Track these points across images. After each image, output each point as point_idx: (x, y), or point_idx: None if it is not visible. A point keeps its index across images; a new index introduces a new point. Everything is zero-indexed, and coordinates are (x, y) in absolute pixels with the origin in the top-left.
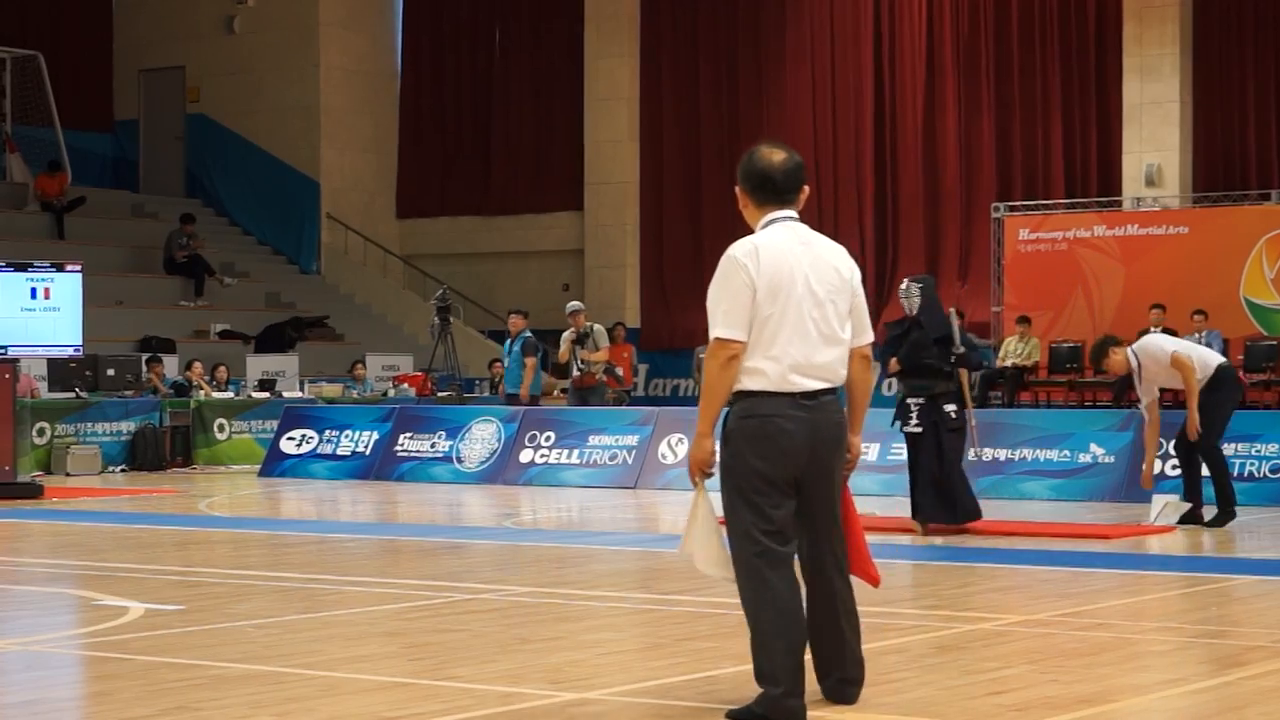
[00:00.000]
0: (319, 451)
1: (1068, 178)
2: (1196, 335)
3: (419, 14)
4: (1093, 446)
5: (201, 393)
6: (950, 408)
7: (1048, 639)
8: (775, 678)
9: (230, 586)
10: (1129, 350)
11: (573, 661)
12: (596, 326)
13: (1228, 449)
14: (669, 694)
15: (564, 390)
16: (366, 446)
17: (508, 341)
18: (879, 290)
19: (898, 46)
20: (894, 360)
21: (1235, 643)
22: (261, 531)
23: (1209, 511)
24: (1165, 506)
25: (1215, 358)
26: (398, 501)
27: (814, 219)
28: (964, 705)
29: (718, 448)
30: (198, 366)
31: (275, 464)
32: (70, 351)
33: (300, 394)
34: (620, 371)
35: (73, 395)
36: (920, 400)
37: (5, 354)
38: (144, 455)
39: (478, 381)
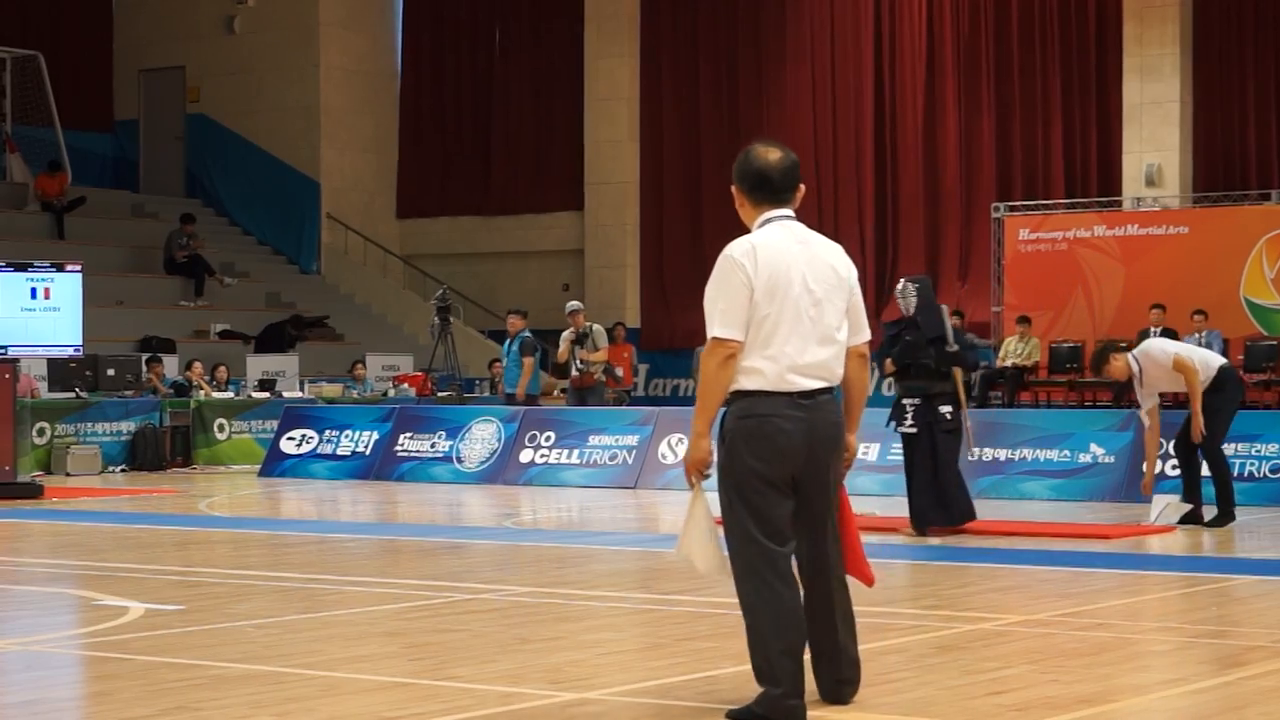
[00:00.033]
0: (319, 451)
1: (1068, 178)
2: (1196, 335)
3: (419, 14)
4: (1093, 446)
5: (201, 393)
6: (946, 408)
7: (1048, 639)
8: (775, 678)
9: (230, 586)
10: (1130, 356)
11: (573, 661)
12: (596, 326)
13: (1227, 449)
14: (669, 694)
15: (563, 390)
16: (366, 446)
17: (507, 342)
18: (879, 290)
19: (898, 46)
20: (888, 361)
21: (1235, 643)
22: (261, 531)
23: (1209, 511)
24: (1166, 507)
25: (1217, 359)
26: (398, 501)
27: (814, 219)
28: (964, 705)
29: (715, 448)
30: (198, 366)
31: (275, 464)
32: (70, 351)
33: (300, 394)
34: (620, 372)
35: (73, 395)
36: (916, 401)
37: (5, 354)
38: (144, 455)
39: (478, 381)
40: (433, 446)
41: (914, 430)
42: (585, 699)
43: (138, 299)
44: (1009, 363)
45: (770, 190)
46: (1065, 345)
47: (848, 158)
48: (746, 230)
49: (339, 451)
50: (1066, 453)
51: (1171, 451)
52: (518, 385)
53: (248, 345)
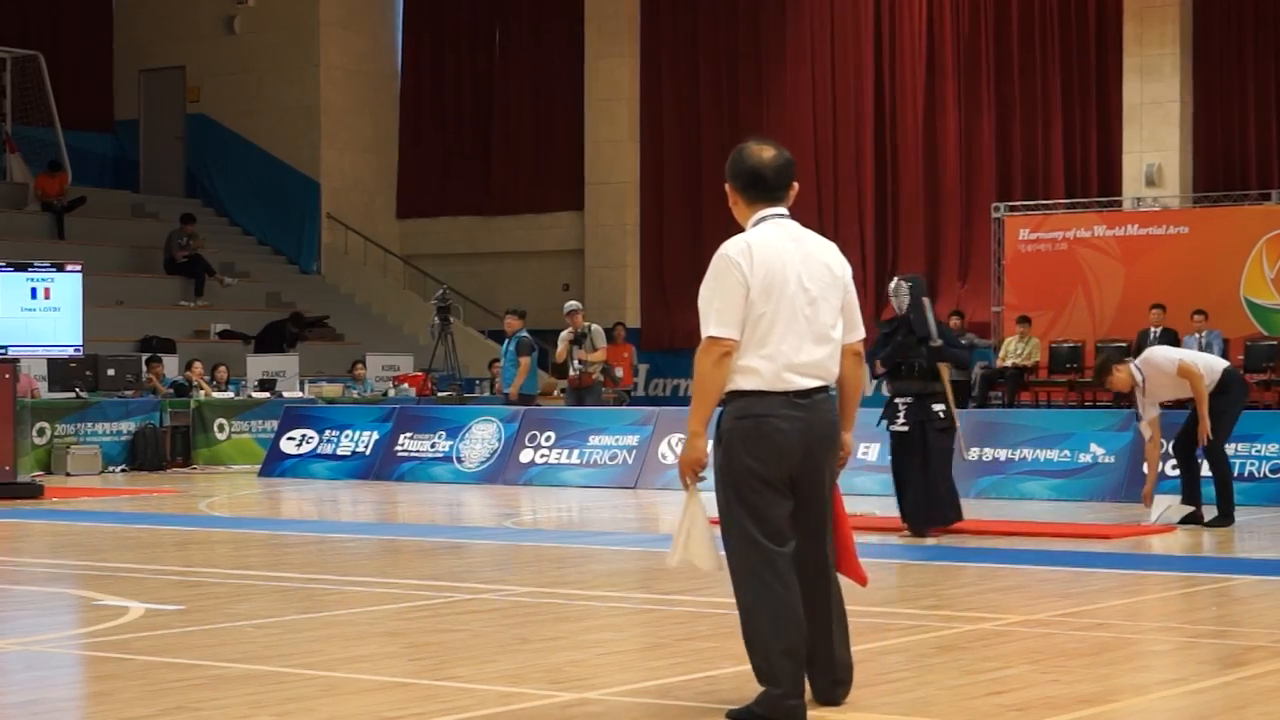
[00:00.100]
0: (319, 451)
1: (1068, 178)
2: (1197, 335)
3: (419, 14)
4: (1093, 446)
5: (201, 393)
6: (938, 407)
7: (1048, 639)
8: (775, 678)
9: (230, 586)
10: (1133, 366)
11: (573, 661)
12: (594, 326)
13: (1227, 449)
14: (669, 694)
15: (563, 390)
16: (367, 446)
17: (506, 342)
18: (879, 291)
19: (898, 46)
20: (877, 363)
21: (1235, 643)
22: (261, 531)
23: (1209, 511)
24: (1167, 509)
25: (1220, 362)
26: (398, 501)
27: (814, 219)
28: (964, 705)
29: (710, 448)
30: (198, 366)
31: (275, 464)
32: (70, 351)
33: (300, 394)
34: (620, 372)
35: (73, 395)
36: (908, 400)
37: (5, 354)
38: (144, 455)
39: (478, 381)
40: (433, 446)
41: (906, 429)
42: (585, 699)
43: (138, 299)
44: (1009, 363)
45: (764, 188)
46: (1065, 345)
47: (848, 158)
48: (744, 230)
49: (339, 451)
50: (1066, 453)
51: (1171, 452)
52: (511, 385)
53: (248, 345)
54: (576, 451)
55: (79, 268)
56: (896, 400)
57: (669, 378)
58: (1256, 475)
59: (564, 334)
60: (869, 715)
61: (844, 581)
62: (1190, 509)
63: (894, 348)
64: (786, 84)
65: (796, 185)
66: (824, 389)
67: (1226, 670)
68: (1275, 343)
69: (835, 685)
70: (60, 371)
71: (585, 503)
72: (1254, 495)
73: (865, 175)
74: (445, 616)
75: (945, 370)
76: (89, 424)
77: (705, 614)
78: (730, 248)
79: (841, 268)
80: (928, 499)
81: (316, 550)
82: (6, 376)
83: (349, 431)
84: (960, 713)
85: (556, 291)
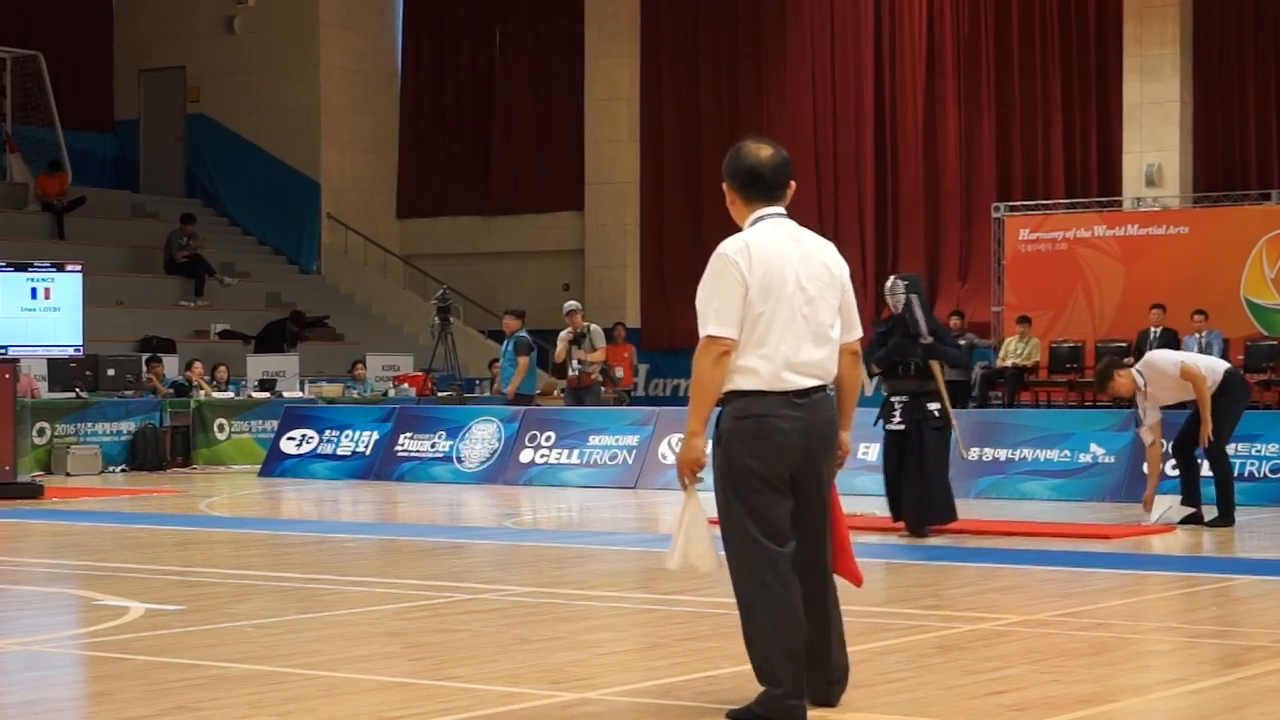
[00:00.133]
0: (319, 451)
1: (1068, 178)
2: (1197, 335)
3: (419, 14)
4: (1093, 446)
5: (201, 393)
6: (934, 406)
7: (1048, 639)
8: (776, 678)
9: (230, 586)
10: (1134, 371)
11: (573, 661)
12: (593, 326)
13: (1227, 449)
14: (669, 694)
15: (563, 390)
16: (367, 446)
17: (505, 342)
18: (880, 291)
19: (898, 46)
20: (874, 363)
21: (1236, 643)
22: (261, 531)
23: (1209, 511)
24: (1168, 509)
25: (1222, 364)
26: (398, 501)
27: (814, 219)
28: (964, 705)
29: (709, 448)
30: (198, 366)
31: (275, 464)
32: (70, 351)
33: (300, 394)
34: (620, 372)
35: (73, 395)
36: (904, 399)
37: (5, 354)
38: (144, 455)
39: (478, 381)
40: (433, 446)
41: (902, 428)
42: (585, 699)
43: (138, 299)
44: (1009, 363)
45: (762, 187)
46: (1065, 345)
47: (848, 158)
48: (742, 229)
49: (339, 451)
50: (1066, 453)
51: (1171, 452)
52: (508, 385)
53: (248, 345)
54: (576, 451)
55: (79, 268)
56: (892, 399)
57: (669, 378)
58: (1256, 475)
59: (563, 334)
60: (869, 715)
61: (840, 582)
62: (1191, 510)
63: (890, 348)
64: (786, 84)
65: (794, 184)
66: (822, 388)
67: (1227, 670)
68: (1275, 343)
69: (831, 685)
70: (60, 371)
71: (585, 503)
72: (1254, 495)
73: (865, 175)
74: (445, 616)
75: (938, 368)
76: (89, 424)
77: (705, 614)
78: (728, 247)
79: (839, 267)
80: (923, 498)
81: (316, 550)
82: (6, 376)
83: (349, 431)
84: (960, 713)
85: (556, 291)
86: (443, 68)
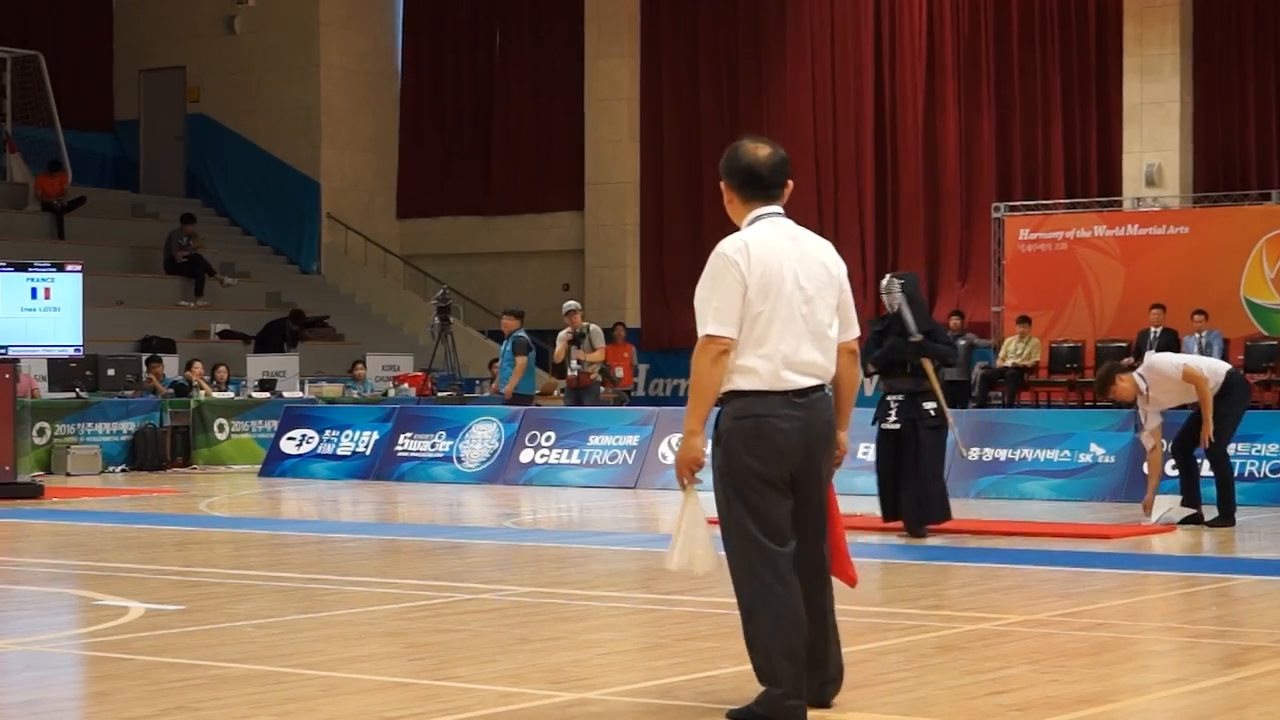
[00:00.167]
0: (319, 451)
1: (1068, 178)
2: (1197, 335)
3: (419, 14)
4: (1093, 446)
5: (201, 393)
6: (930, 405)
7: (1048, 639)
8: (776, 678)
9: (230, 586)
10: (1136, 375)
11: (573, 661)
12: (593, 326)
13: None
14: (669, 694)
15: (562, 390)
16: (367, 446)
17: (503, 342)
18: (880, 291)
19: (898, 46)
20: (870, 363)
21: (1236, 643)
22: (261, 531)
23: (1210, 511)
24: (1168, 510)
25: (1223, 365)
26: (398, 501)
27: (814, 219)
28: (964, 705)
29: (708, 447)
30: (198, 366)
31: (275, 464)
32: (70, 351)
33: (300, 394)
34: (620, 372)
35: (73, 395)
36: (899, 397)
37: (5, 354)
38: (144, 455)
39: (478, 381)
40: (433, 446)
41: (897, 427)
42: (585, 699)
43: (138, 299)
44: (1009, 363)
45: (760, 186)
46: (1065, 345)
47: (848, 158)
48: (739, 228)
49: (339, 451)
50: (1066, 453)
51: (1170, 453)
52: (506, 385)
53: (248, 345)
54: (576, 451)
55: (79, 268)
56: (889, 398)
57: (669, 378)
58: (1257, 475)
59: (562, 334)
60: (869, 715)
61: (835, 582)
62: (1191, 511)
63: (887, 348)
64: (786, 84)
65: (791, 184)
66: (821, 388)
67: (1227, 670)
68: (1275, 343)
69: (825, 686)
70: (60, 371)
71: (585, 503)
72: (1254, 495)
73: (865, 175)
74: (445, 616)
75: (930, 367)
76: (89, 424)
77: (705, 614)
78: (727, 246)
79: (837, 266)
80: (920, 498)
81: (316, 550)
82: (6, 376)
83: (349, 431)
84: (960, 713)
85: (556, 291)
86: (443, 68)
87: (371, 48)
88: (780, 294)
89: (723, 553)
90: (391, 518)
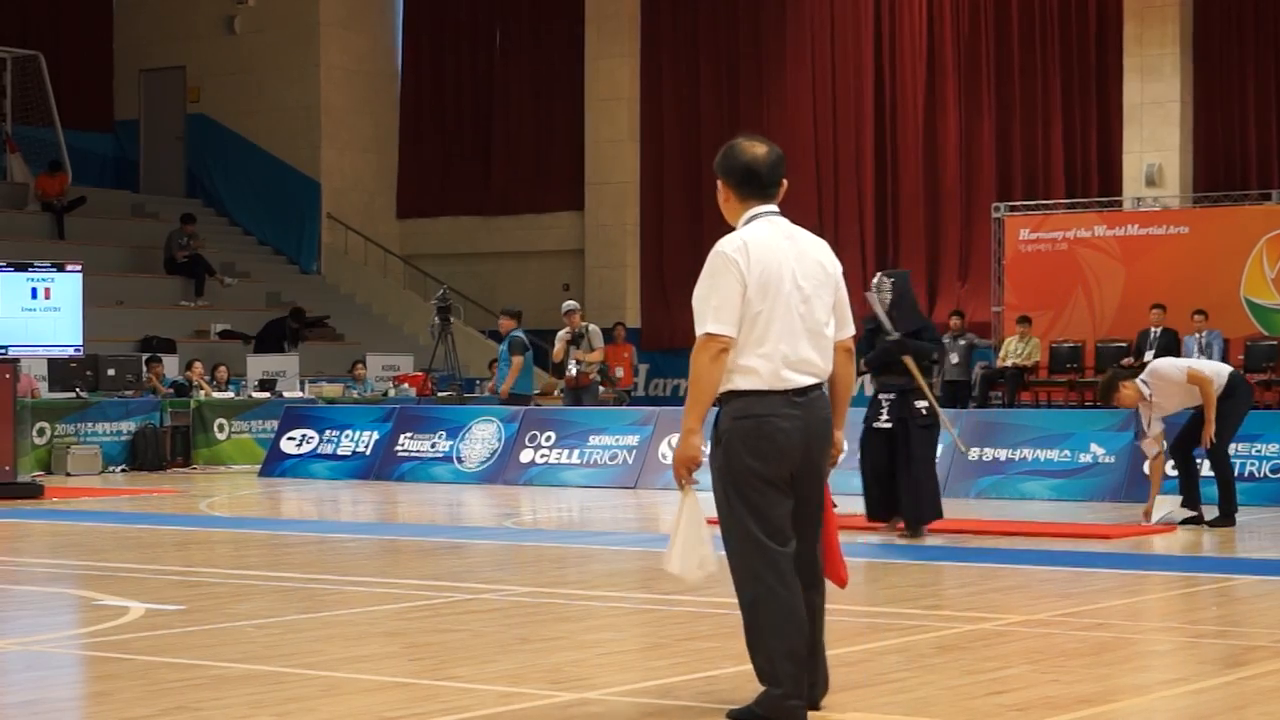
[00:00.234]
0: (319, 451)
1: (1068, 178)
2: (1197, 335)
3: (419, 14)
4: (1093, 446)
5: (202, 393)
6: (922, 404)
7: (1048, 639)
8: (777, 679)
9: (230, 586)
10: (1139, 381)
11: (573, 661)
12: (592, 326)
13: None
14: (669, 694)
15: (561, 390)
16: (367, 446)
17: (502, 342)
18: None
19: (898, 46)
20: (863, 362)
21: (1236, 643)
22: (262, 531)
23: (1210, 512)
24: (1169, 511)
25: (1225, 367)
26: (398, 501)
27: (814, 219)
28: (964, 705)
29: (706, 446)
30: (198, 366)
31: (275, 464)
32: (70, 351)
33: (300, 394)
34: (620, 372)
35: (73, 395)
36: (891, 396)
37: (5, 354)
38: (144, 455)
39: (478, 381)
40: (433, 446)
41: (889, 425)
42: (585, 699)
43: (138, 299)
44: (1009, 363)
45: (758, 185)
46: (1065, 345)
47: (848, 158)
48: (735, 226)
49: (339, 451)
50: (1066, 453)
51: (1169, 453)
52: (502, 384)
53: (248, 345)
54: (576, 451)
55: (79, 268)
56: (880, 396)
57: (669, 378)
58: (1257, 475)
59: (561, 334)
60: (869, 715)
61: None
62: (1192, 513)
63: (880, 348)
64: (786, 84)
65: (786, 182)
66: (819, 387)
67: (1227, 670)
68: (1275, 343)
69: (814, 686)
70: (60, 371)
71: (585, 503)
72: (1254, 495)
73: (865, 175)
74: (445, 616)
75: (913, 364)
76: (89, 424)
77: (705, 614)
78: (726, 245)
79: (833, 265)
80: (919, 498)
81: (316, 550)
82: (7, 376)
83: (349, 431)
84: (960, 713)
85: (556, 291)
86: (443, 68)
87: (371, 48)
88: (779, 293)
89: (722, 553)
90: (391, 518)
